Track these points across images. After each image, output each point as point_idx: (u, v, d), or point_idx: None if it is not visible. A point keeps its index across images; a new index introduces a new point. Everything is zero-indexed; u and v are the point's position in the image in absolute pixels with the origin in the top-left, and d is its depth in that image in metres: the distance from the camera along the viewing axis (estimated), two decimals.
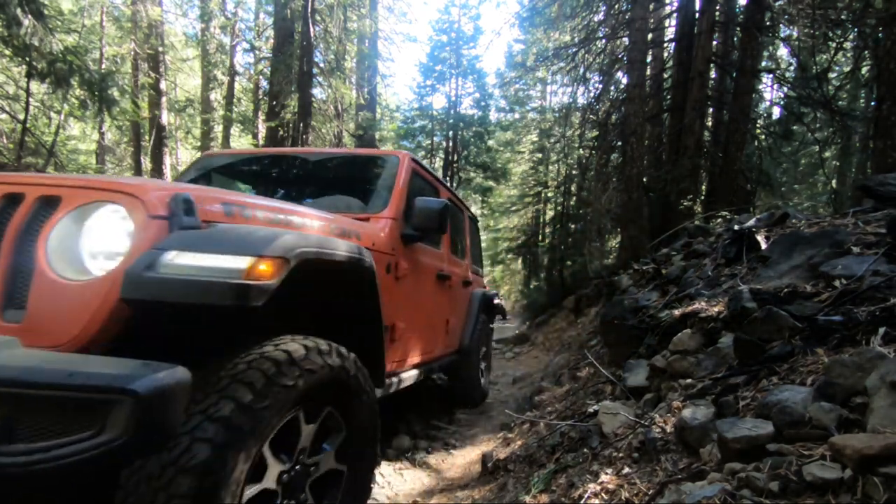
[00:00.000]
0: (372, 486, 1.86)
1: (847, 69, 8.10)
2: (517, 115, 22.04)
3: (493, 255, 27.70)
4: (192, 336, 1.35)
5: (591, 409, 2.40)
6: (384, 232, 2.31)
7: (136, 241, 1.17)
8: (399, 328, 2.43)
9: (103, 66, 11.83)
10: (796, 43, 7.98)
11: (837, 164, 13.22)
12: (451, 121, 19.99)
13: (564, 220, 15.66)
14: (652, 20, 8.49)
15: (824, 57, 8.00)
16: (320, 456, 1.52)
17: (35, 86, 8.57)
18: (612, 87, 9.54)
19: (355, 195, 2.64)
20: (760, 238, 3.04)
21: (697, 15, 7.95)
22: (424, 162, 3.61)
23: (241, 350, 1.29)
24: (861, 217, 2.79)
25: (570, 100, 12.06)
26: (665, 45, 9.69)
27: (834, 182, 12.61)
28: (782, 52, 11.71)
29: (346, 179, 3.05)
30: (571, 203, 15.82)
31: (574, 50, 9.76)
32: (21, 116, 8.82)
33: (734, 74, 7.94)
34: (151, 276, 1.09)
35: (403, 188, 2.61)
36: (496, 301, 4.93)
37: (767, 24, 7.60)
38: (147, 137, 12.93)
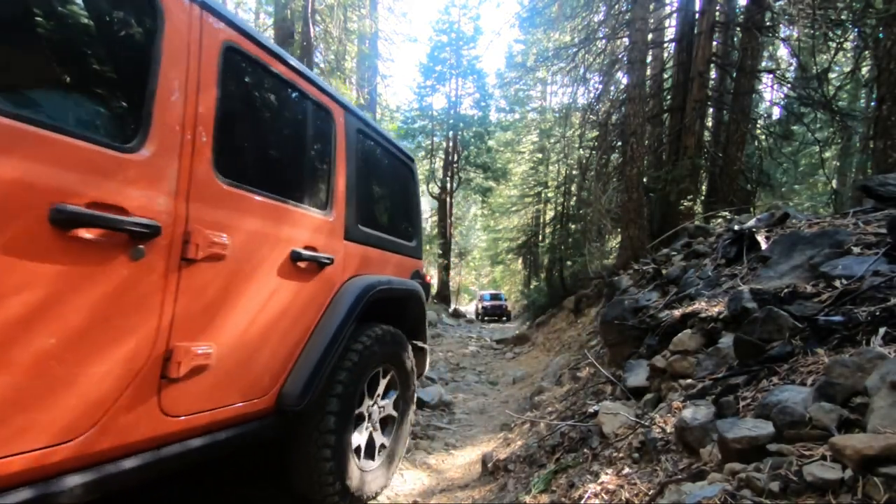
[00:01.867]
0: None
1: (847, 69, 8.10)
2: (517, 116, 22.08)
3: (493, 255, 27.72)
4: None
5: (591, 410, 2.40)
6: None
7: None
8: None
9: None
10: (796, 43, 7.98)
11: (837, 164, 13.23)
12: (451, 121, 20.01)
13: (564, 220, 15.67)
14: (652, 20, 8.50)
15: (824, 57, 8.00)
16: None
17: None
18: (612, 88, 9.55)
19: None
20: (760, 238, 3.04)
21: (697, 15, 7.97)
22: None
23: None
24: (861, 217, 2.79)
25: (570, 100, 12.08)
26: (665, 45, 9.69)
27: (834, 182, 12.61)
28: (782, 52, 11.73)
29: None
30: (571, 203, 15.83)
31: (574, 50, 9.77)
32: None
33: (734, 74, 7.95)
34: None
35: None
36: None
37: (767, 24, 7.60)
38: None
